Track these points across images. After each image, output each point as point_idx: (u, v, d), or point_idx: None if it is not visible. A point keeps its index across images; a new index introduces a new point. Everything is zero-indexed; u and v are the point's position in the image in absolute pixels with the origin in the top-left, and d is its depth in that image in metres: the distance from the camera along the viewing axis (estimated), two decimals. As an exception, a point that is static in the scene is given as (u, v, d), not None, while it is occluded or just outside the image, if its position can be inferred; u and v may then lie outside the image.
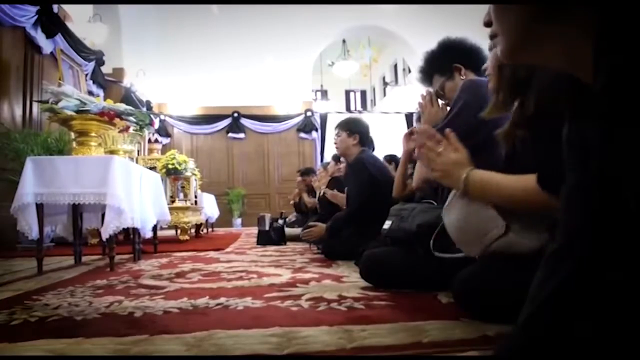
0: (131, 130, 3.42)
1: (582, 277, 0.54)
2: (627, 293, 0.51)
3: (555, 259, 0.58)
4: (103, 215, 2.53)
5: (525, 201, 1.06)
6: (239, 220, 9.89)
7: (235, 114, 10.20)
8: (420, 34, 10.78)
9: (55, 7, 5.56)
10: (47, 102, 2.77)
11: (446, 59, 1.89)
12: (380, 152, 3.92)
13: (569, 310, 0.55)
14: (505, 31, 0.64)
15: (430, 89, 1.96)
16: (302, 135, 10.45)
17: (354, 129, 3.18)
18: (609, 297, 0.52)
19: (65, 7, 6.08)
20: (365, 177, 2.91)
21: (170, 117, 10.08)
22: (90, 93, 6.28)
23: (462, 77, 1.82)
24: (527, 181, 1.05)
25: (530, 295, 0.60)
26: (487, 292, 1.18)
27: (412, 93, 12.48)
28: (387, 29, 10.85)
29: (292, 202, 6.62)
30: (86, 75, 6.43)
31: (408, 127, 11.17)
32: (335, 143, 3.29)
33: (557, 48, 0.61)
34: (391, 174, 2.96)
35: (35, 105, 5.09)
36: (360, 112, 18.73)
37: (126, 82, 8.27)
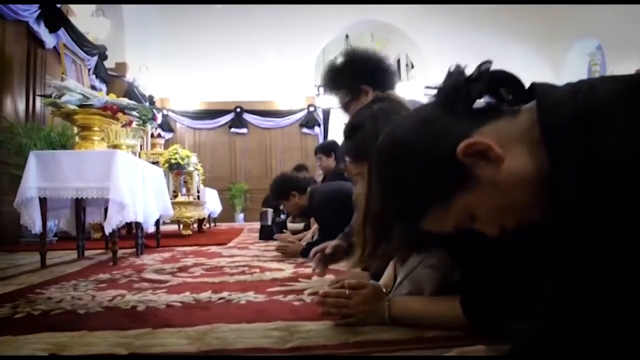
0: (134, 124, 3.42)
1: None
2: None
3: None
4: (106, 210, 2.54)
5: (450, 324, 1.04)
6: (241, 215, 9.90)
7: (238, 109, 10.19)
8: (424, 29, 10.75)
9: (58, 2, 5.56)
10: (50, 96, 2.77)
11: (354, 78, 1.82)
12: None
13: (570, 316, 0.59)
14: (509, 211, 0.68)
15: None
16: (305, 130, 10.44)
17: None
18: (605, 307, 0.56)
19: (68, 1, 6.07)
20: (326, 220, 2.89)
21: (173, 112, 10.08)
22: (93, 87, 6.28)
23: (368, 99, 1.72)
24: (452, 308, 1.03)
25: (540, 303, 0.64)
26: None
27: (415, 89, 12.44)
28: (390, 24, 10.82)
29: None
30: (89, 69, 6.43)
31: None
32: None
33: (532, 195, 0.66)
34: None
35: (38, 100, 5.10)
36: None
37: (129, 76, 8.26)
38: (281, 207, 3.30)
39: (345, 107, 1.89)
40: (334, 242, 1.87)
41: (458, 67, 0.73)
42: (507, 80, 0.70)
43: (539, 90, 0.68)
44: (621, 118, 0.55)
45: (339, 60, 1.90)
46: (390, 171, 0.73)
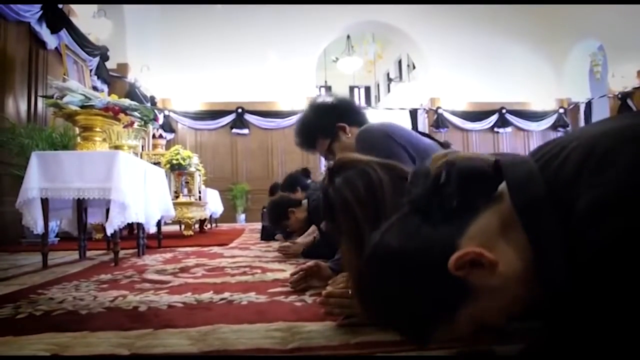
0: (135, 125, 3.42)
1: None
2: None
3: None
4: (107, 211, 2.54)
5: None
6: (242, 216, 9.90)
7: (239, 110, 10.20)
8: (425, 30, 10.74)
9: (59, 3, 5.56)
10: (51, 97, 2.77)
11: (328, 120, 1.82)
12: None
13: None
14: (498, 310, 0.67)
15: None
16: (306, 131, 10.43)
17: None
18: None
19: (70, 2, 6.08)
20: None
21: (175, 112, 10.09)
22: (95, 88, 6.29)
23: (348, 136, 1.76)
24: None
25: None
26: None
27: (416, 89, 12.44)
28: (392, 24, 10.82)
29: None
30: (90, 70, 6.43)
31: (412, 124, 11.14)
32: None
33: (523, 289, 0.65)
34: None
35: (40, 100, 5.10)
36: (364, 108, 18.68)
37: (130, 77, 8.27)
38: (288, 229, 3.22)
39: (330, 151, 1.86)
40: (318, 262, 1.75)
41: (423, 169, 0.72)
42: (475, 174, 0.68)
43: (505, 169, 0.66)
44: (590, 184, 0.55)
45: (306, 110, 1.92)
46: (385, 303, 0.71)
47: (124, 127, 3.29)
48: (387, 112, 13.99)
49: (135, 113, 3.06)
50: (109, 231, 2.50)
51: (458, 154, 0.79)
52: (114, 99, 2.90)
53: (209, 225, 7.22)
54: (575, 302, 0.58)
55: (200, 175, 5.90)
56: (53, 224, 3.94)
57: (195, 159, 5.56)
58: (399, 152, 1.45)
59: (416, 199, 0.70)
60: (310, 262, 1.75)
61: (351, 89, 20.33)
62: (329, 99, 1.91)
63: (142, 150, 5.74)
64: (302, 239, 3.18)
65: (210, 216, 7.09)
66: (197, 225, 5.88)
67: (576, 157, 0.59)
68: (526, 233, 0.61)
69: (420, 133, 1.74)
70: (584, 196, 0.55)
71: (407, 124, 11.12)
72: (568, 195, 0.57)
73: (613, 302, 0.54)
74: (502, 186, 0.67)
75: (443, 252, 0.62)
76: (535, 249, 0.60)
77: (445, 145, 1.60)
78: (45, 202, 2.50)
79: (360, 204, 0.99)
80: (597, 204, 0.53)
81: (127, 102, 3.01)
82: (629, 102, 9.17)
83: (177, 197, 5.18)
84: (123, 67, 8.22)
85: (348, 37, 11.83)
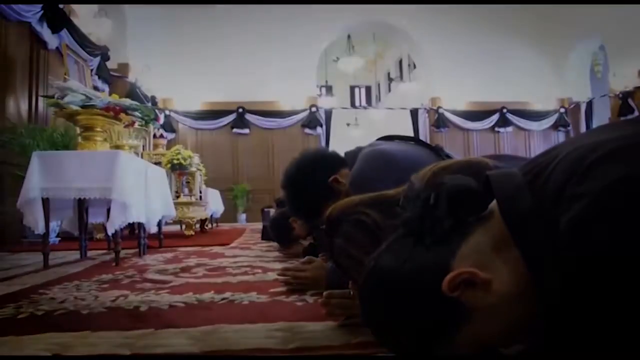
0: (136, 125, 3.42)
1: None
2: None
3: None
4: (108, 210, 2.54)
5: None
6: (243, 216, 9.90)
7: (240, 110, 10.19)
8: (425, 30, 10.74)
9: (60, 2, 5.57)
10: (52, 97, 2.77)
11: (321, 185, 1.72)
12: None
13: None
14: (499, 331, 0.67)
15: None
16: (307, 130, 10.43)
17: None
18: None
19: (71, 2, 6.09)
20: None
21: (175, 112, 10.08)
22: (96, 88, 6.30)
23: (343, 182, 1.68)
24: None
25: None
26: None
27: (417, 89, 12.43)
28: (392, 24, 10.81)
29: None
30: (91, 70, 6.45)
31: (413, 123, 11.13)
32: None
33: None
34: None
35: (41, 100, 5.11)
36: (365, 107, 18.70)
37: (131, 77, 8.27)
38: (299, 239, 3.19)
39: None
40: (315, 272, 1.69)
41: (414, 191, 0.71)
42: (464, 194, 0.67)
43: (494, 184, 0.66)
44: (572, 198, 0.55)
45: (291, 190, 1.76)
46: (385, 327, 0.71)
47: (124, 126, 3.29)
48: (387, 112, 13.99)
49: (136, 113, 3.06)
50: (110, 231, 2.50)
51: (448, 163, 0.79)
52: (114, 98, 2.90)
53: (209, 225, 7.22)
54: (572, 313, 0.58)
55: (201, 175, 5.90)
56: (54, 224, 3.94)
57: (196, 159, 5.57)
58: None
59: (408, 221, 0.70)
60: (304, 259, 1.75)
61: (352, 88, 20.32)
62: (302, 168, 1.77)
63: (143, 150, 5.75)
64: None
65: (211, 216, 7.09)
66: (198, 225, 5.88)
67: (562, 170, 0.59)
68: (518, 248, 0.61)
69: (411, 138, 1.72)
70: (566, 211, 0.55)
71: (407, 125, 11.14)
72: (554, 209, 0.57)
73: (608, 311, 0.54)
74: (494, 203, 0.67)
75: (437, 273, 0.62)
76: (528, 263, 0.60)
77: (436, 149, 1.58)
78: (46, 202, 2.50)
79: (367, 254, 0.99)
80: (578, 219, 0.53)
81: (128, 101, 3.01)
82: (630, 101, 9.15)
83: (178, 196, 5.18)
84: (124, 67, 8.23)
85: (349, 36, 11.82)
